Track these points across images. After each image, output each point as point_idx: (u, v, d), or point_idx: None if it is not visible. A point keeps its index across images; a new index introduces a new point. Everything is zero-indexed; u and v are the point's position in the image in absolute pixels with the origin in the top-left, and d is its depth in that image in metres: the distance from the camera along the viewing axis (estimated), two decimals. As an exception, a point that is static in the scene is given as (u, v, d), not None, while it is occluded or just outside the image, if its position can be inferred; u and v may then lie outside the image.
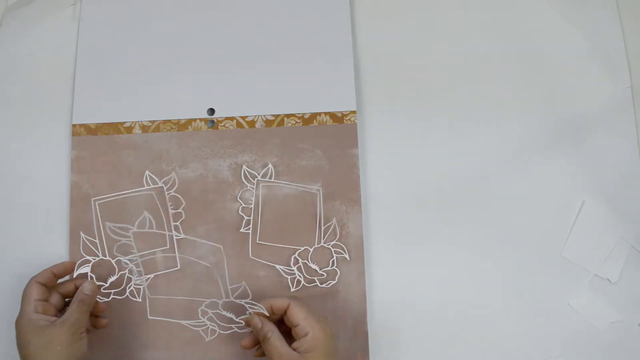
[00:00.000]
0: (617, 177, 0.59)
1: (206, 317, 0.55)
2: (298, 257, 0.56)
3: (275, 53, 0.61)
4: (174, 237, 0.56)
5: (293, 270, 0.56)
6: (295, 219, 0.57)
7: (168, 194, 0.57)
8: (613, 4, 0.62)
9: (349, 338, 0.55)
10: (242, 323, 0.54)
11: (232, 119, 0.59)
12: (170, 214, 0.57)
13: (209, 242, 0.56)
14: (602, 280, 0.58)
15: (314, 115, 0.59)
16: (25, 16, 0.63)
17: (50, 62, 0.61)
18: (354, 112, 0.59)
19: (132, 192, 0.57)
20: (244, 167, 0.58)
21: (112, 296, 0.55)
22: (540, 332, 0.57)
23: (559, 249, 0.58)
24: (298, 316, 0.48)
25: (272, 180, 0.58)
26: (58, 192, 0.58)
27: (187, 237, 0.56)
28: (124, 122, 0.59)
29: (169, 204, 0.57)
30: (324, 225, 0.57)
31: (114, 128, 0.59)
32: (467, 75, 0.61)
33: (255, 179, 0.57)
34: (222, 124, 0.59)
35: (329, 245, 0.56)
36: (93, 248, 0.56)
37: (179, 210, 0.57)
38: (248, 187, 0.58)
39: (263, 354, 0.50)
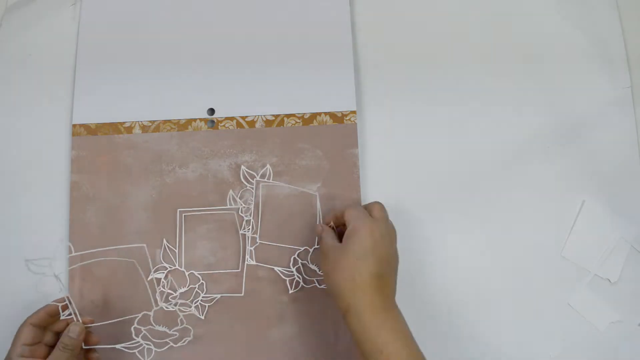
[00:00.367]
0: (617, 177, 0.59)
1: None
2: (298, 258, 0.56)
3: (276, 53, 0.61)
4: (246, 263, 0.56)
5: (292, 272, 0.56)
6: (295, 219, 0.57)
7: (246, 218, 0.57)
8: (613, 4, 0.62)
9: (349, 338, 0.55)
10: (176, 334, 0.54)
11: (232, 119, 0.59)
12: (247, 238, 0.57)
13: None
14: (602, 280, 0.58)
15: (314, 115, 0.59)
16: (25, 16, 0.63)
17: (50, 62, 0.61)
18: (354, 112, 0.59)
19: (217, 210, 0.57)
20: (243, 167, 0.58)
21: (177, 307, 0.54)
22: (540, 332, 0.57)
23: (559, 249, 0.58)
24: (348, 215, 0.51)
25: (271, 180, 0.58)
26: (58, 192, 0.58)
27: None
28: (124, 122, 0.59)
29: (243, 228, 0.57)
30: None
31: (114, 128, 0.59)
32: (467, 76, 0.61)
33: (255, 179, 0.57)
34: (222, 124, 0.59)
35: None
36: (172, 257, 0.56)
37: (253, 235, 0.56)
38: (248, 188, 0.58)
39: None
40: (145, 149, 0.59)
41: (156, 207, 0.57)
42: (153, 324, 0.54)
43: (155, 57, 0.61)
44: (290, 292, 0.56)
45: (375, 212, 0.51)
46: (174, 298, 0.55)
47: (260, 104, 0.59)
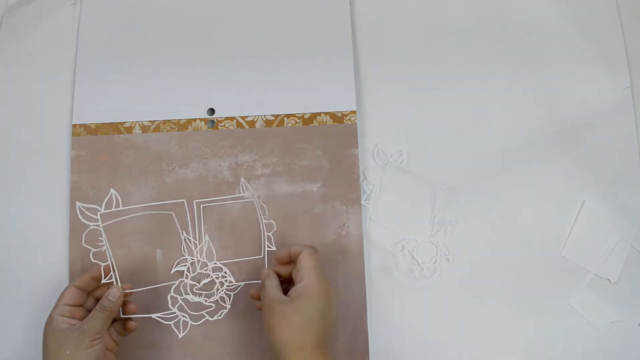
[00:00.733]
0: (617, 177, 0.59)
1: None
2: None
3: (276, 53, 0.61)
4: (266, 249, 0.56)
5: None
6: (295, 220, 0.57)
7: (259, 203, 0.57)
8: (613, 4, 0.62)
9: (349, 338, 0.55)
10: (212, 306, 0.54)
11: (232, 119, 0.59)
12: (263, 224, 0.57)
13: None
14: (602, 280, 0.58)
15: (314, 115, 0.59)
16: (25, 16, 0.63)
17: (50, 62, 0.61)
18: (354, 112, 0.59)
19: (231, 199, 0.57)
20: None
21: (203, 297, 0.55)
22: (540, 332, 0.57)
23: (559, 249, 0.58)
24: (303, 263, 0.49)
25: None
26: (58, 191, 0.58)
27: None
28: (124, 122, 0.59)
29: (260, 213, 0.57)
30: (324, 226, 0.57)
31: (114, 128, 0.59)
32: (467, 76, 0.61)
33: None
34: (222, 124, 0.59)
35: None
36: (192, 248, 0.56)
37: (270, 221, 0.57)
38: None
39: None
40: (145, 149, 0.59)
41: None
42: (190, 292, 0.54)
43: (155, 57, 0.61)
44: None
45: (316, 263, 0.49)
46: (198, 289, 0.55)
47: (260, 104, 0.59)
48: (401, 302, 0.57)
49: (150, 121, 0.59)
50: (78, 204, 0.56)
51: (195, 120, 0.59)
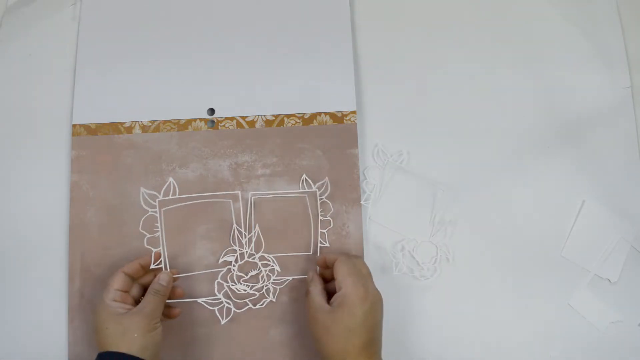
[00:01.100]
0: (617, 177, 0.59)
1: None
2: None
3: (276, 53, 0.61)
4: (319, 245, 0.56)
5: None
6: (295, 220, 0.57)
7: (320, 199, 0.57)
8: (613, 4, 0.62)
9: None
10: (256, 294, 0.55)
11: (232, 119, 0.59)
12: (318, 220, 0.57)
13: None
14: (602, 280, 0.58)
15: (314, 115, 0.59)
16: (25, 16, 0.63)
17: (50, 62, 0.61)
18: (354, 112, 0.59)
19: (287, 193, 0.57)
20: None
21: (248, 291, 0.55)
22: (540, 332, 0.57)
23: (559, 249, 0.58)
24: (339, 271, 0.50)
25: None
26: (58, 192, 0.58)
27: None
28: (124, 122, 0.59)
29: (319, 210, 0.57)
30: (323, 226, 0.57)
31: (114, 128, 0.59)
32: (467, 76, 0.61)
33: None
34: (222, 124, 0.59)
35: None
36: (242, 239, 0.56)
37: (327, 218, 0.57)
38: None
39: None
40: (145, 149, 0.59)
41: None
42: (235, 281, 0.55)
43: (155, 57, 0.61)
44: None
45: (364, 268, 0.51)
46: (245, 281, 0.55)
47: (260, 104, 0.59)
48: (401, 302, 0.57)
49: (150, 121, 0.59)
50: (142, 189, 0.57)
51: (195, 120, 0.59)
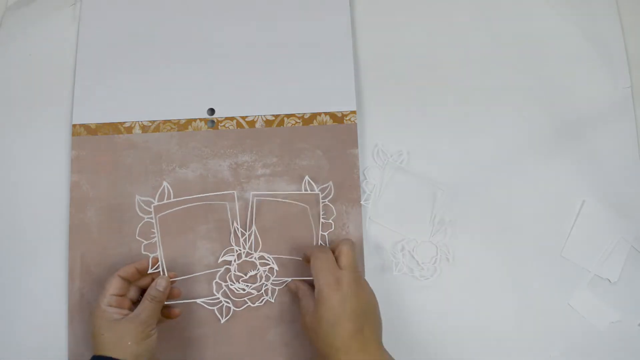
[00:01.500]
0: (617, 177, 0.59)
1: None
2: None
3: (276, 53, 0.61)
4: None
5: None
6: (294, 220, 0.57)
7: (322, 202, 0.57)
8: (613, 4, 0.62)
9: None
10: (254, 292, 0.55)
11: (232, 119, 0.59)
12: (320, 223, 0.57)
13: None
14: (602, 280, 0.58)
15: (314, 115, 0.59)
16: (25, 16, 0.63)
17: (50, 62, 0.61)
18: (354, 112, 0.59)
19: (289, 195, 0.57)
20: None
21: (246, 290, 0.55)
22: (540, 332, 0.57)
23: (559, 249, 0.58)
24: (312, 268, 0.50)
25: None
26: (58, 192, 0.58)
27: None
28: (124, 122, 0.59)
29: (321, 212, 0.57)
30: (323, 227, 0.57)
31: (114, 128, 0.59)
32: (467, 76, 0.61)
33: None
34: (222, 124, 0.59)
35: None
36: (242, 240, 0.56)
37: (329, 221, 0.57)
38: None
39: None
40: (145, 149, 0.59)
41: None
42: (233, 280, 0.55)
43: (155, 57, 0.61)
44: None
45: (342, 259, 0.50)
46: (244, 280, 0.55)
47: (260, 104, 0.59)
48: (401, 302, 0.57)
49: (150, 121, 0.59)
50: (137, 197, 0.57)
51: (195, 120, 0.59)
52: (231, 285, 0.55)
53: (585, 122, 0.60)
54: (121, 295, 0.51)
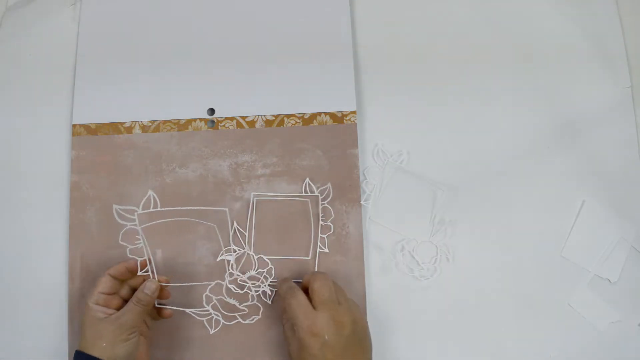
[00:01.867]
0: (617, 177, 0.59)
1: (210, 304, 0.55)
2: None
3: (276, 53, 0.61)
4: (318, 250, 0.56)
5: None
6: (294, 220, 0.57)
7: (322, 204, 0.57)
8: (613, 4, 0.62)
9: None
10: (245, 310, 0.54)
11: (232, 119, 0.59)
12: (319, 225, 0.57)
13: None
14: (602, 280, 0.58)
15: (314, 115, 0.59)
16: (25, 16, 0.63)
17: (50, 62, 0.61)
18: (354, 112, 0.59)
19: (289, 196, 0.57)
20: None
21: (245, 290, 0.55)
22: (540, 332, 0.57)
23: (559, 249, 0.58)
24: (289, 312, 0.49)
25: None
26: (58, 192, 0.58)
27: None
28: (124, 122, 0.59)
29: (320, 215, 0.57)
30: (323, 227, 0.57)
31: (114, 128, 0.59)
32: (467, 76, 0.61)
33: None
34: (222, 124, 0.59)
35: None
36: (241, 239, 0.56)
37: (328, 223, 0.57)
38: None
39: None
40: (145, 149, 0.59)
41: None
42: (225, 295, 0.55)
43: (155, 57, 0.61)
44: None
45: (314, 299, 0.48)
46: (242, 281, 0.55)
47: (260, 104, 0.59)
48: (401, 302, 0.57)
49: (150, 121, 0.59)
50: (115, 206, 0.56)
51: (195, 120, 0.59)
52: (221, 297, 0.55)
53: (585, 122, 0.60)
54: (110, 294, 0.51)
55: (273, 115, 0.59)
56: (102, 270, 0.55)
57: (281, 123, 0.59)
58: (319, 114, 0.59)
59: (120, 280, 0.52)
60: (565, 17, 0.62)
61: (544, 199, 0.59)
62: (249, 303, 0.55)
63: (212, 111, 0.60)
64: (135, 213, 0.56)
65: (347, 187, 0.58)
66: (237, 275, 0.55)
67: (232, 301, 0.55)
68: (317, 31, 0.61)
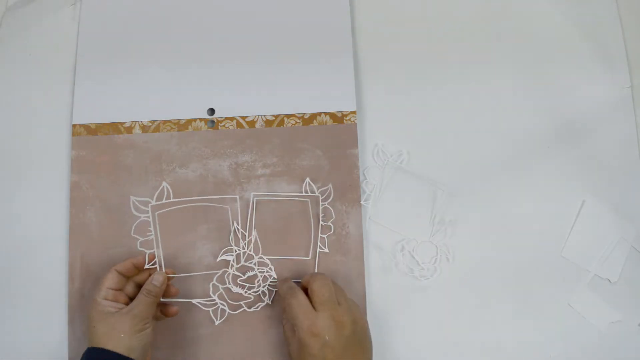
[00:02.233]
0: (617, 177, 0.59)
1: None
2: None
3: (276, 53, 0.61)
4: (318, 250, 0.56)
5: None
6: (294, 220, 0.57)
7: (322, 205, 0.57)
8: (613, 4, 0.62)
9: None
10: (251, 297, 0.55)
11: (232, 119, 0.59)
12: (319, 225, 0.57)
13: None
14: (602, 280, 0.58)
15: (314, 115, 0.59)
16: (25, 16, 0.63)
17: (50, 62, 0.61)
18: (354, 112, 0.59)
19: (289, 196, 0.57)
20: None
21: (245, 290, 0.55)
22: (540, 332, 0.57)
23: (559, 249, 0.58)
24: (289, 314, 0.49)
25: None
26: (58, 191, 0.58)
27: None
28: (124, 122, 0.59)
29: (321, 215, 0.57)
30: (323, 228, 0.57)
31: (114, 128, 0.59)
32: (467, 76, 0.61)
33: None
34: (222, 124, 0.59)
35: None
36: (241, 239, 0.56)
37: (328, 224, 0.57)
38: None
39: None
40: (145, 149, 0.59)
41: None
42: (231, 283, 0.55)
43: (155, 57, 0.61)
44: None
45: (314, 299, 0.49)
46: (242, 281, 0.55)
47: (260, 104, 0.59)
48: (401, 302, 0.57)
49: (150, 121, 0.59)
50: (132, 197, 0.57)
51: (195, 120, 0.59)
52: (228, 286, 0.55)
53: (585, 122, 0.60)
54: (117, 290, 0.51)
55: (273, 115, 0.59)
56: (102, 270, 0.55)
57: (281, 123, 0.59)
58: (319, 114, 0.59)
59: (126, 276, 0.53)
60: (565, 17, 0.62)
61: (544, 199, 0.59)
62: (256, 290, 0.55)
63: (212, 111, 0.60)
64: (149, 204, 0.56)
65: (347, 187, 0.58)
66: (236, 274, 0.55)
67: (239, 289, 0.55)
68: (317, 31, 0.61)
